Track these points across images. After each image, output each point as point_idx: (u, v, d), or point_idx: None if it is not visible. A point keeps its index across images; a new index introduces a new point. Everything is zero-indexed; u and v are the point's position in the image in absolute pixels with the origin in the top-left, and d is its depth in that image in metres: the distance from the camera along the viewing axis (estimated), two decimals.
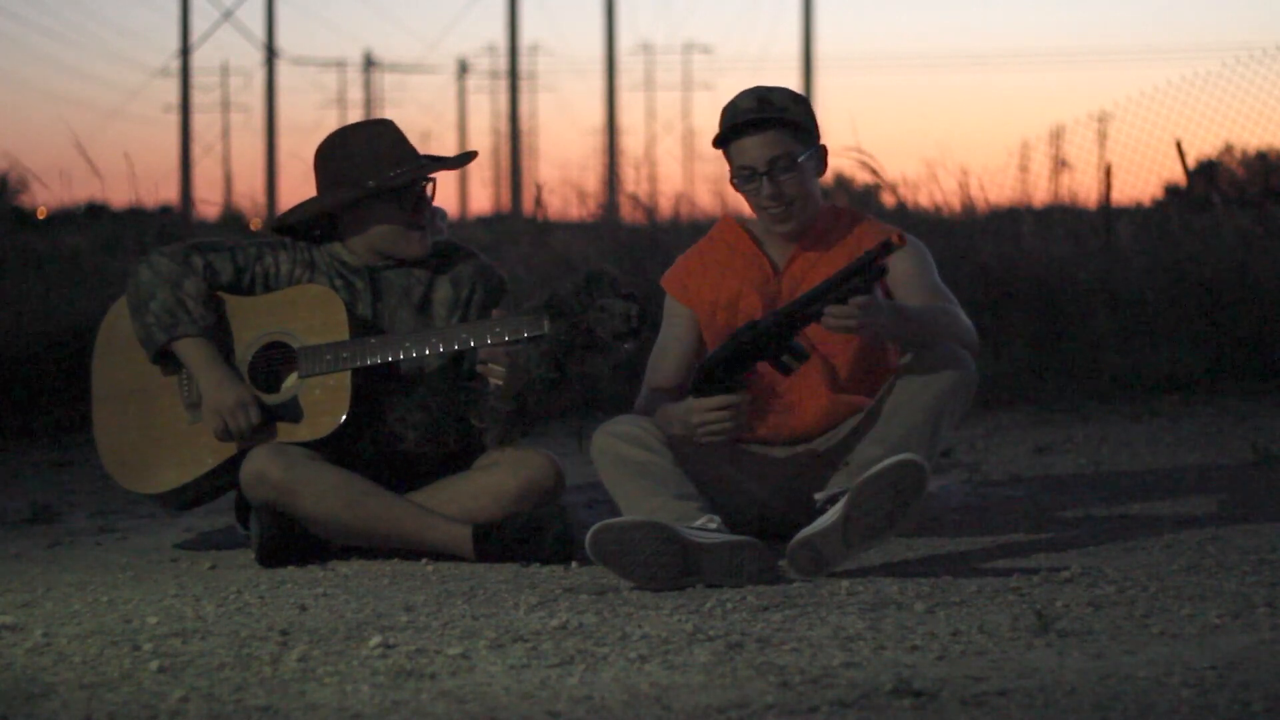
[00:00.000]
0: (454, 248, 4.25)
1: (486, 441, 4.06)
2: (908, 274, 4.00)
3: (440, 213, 4.31)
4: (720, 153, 4.05)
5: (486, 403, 3.99)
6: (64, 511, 4.89)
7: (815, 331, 3.97)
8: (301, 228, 4.20)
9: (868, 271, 3.65)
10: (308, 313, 4.08)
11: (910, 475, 3.51)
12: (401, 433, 4.07)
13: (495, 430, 4.01)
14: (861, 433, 3.91)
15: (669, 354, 4.10)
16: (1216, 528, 4.22)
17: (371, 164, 4.08)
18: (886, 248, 3.65)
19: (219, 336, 4.11)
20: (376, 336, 4.05)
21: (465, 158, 4.20)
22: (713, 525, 3.61)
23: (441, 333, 3.98)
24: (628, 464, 3.76)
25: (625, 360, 3.90)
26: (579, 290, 3.80)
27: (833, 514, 3.56)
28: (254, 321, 4.12)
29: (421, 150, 4.18)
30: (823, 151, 4.06)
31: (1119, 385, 7.64)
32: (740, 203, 4.13)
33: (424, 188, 4.13)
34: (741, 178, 3.99)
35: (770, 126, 3.96)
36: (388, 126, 4.16)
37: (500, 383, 3.91)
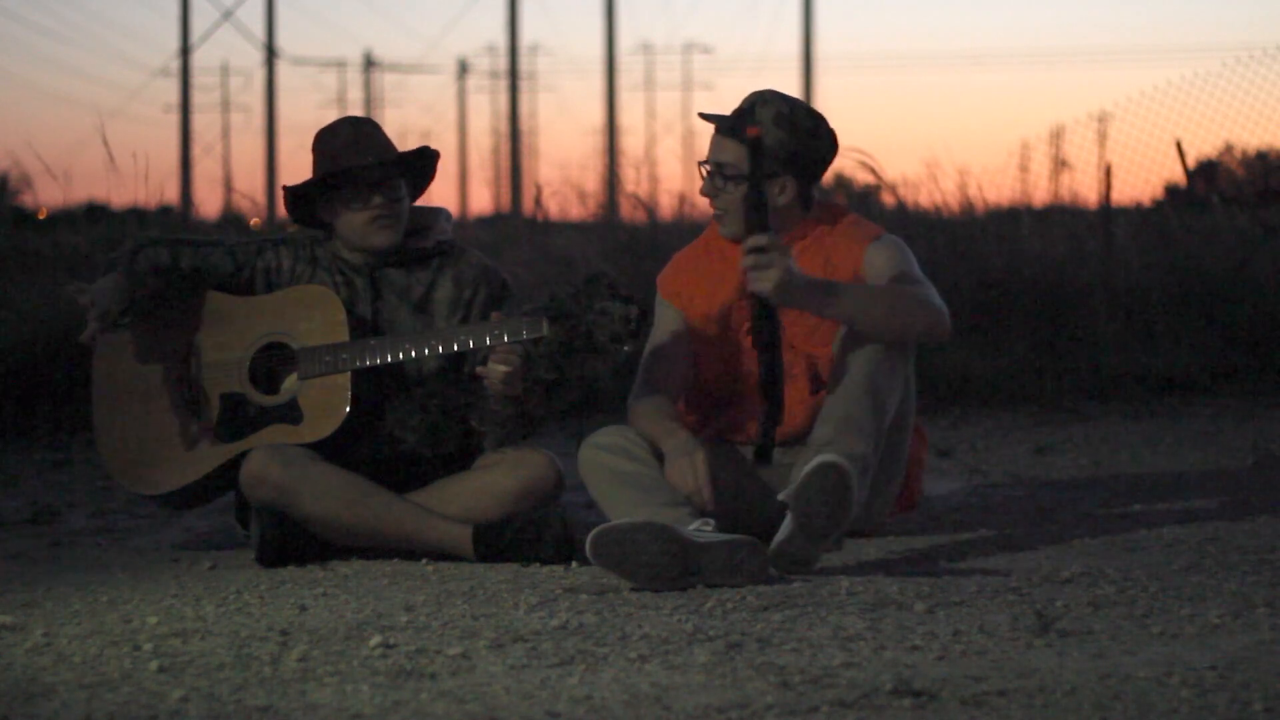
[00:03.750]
0: (457, 248, 4.24)
1: (486, 444, 4.06)
2: (882, 267, 3.99)
3: (444, 213, 4.31)
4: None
5: (486, 405, 3.99)
6: (64, 511, 4.89)
7: (797, 331, 3.96)
8: (301, 219, 4.22)
9: (752, 176, 3.71)
10: (307, 313, 4.08)
11: (830, 476, 3.55)
12: (401, 435, 4.07)
13: (495, 433, 4.02)
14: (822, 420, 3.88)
15: (665, 359, 4.06)
16: (1216, 528, 4.23)
17: (322, 161, 4.11)
18: (753, 145, 3.70)
19: (219, 337, 4.12)
20: (376, 337, 4.05)
21: (380, 164, 4.09)
22: (708, 528, 3.62)
23: (440, 334, 3.98)
24: (615, 475, 3.78)
25: (624, 362, 3.90)
26: (578, 293, 3.79)
27: (787, 524, 3.62)
28: (253, 322, 4.13)
29: (419, 147, 4.19)
30: (789, 184, 3.98)
31: (1119, 385, 7.64)
32: None
33: (385, 182, 4.09)
34: (704, 168, 4.04)
35: (730, 135, 3.96)
36: (342, 124, 4.16)
37: (499, 385, 3.91)
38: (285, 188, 4.16)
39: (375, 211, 4.10)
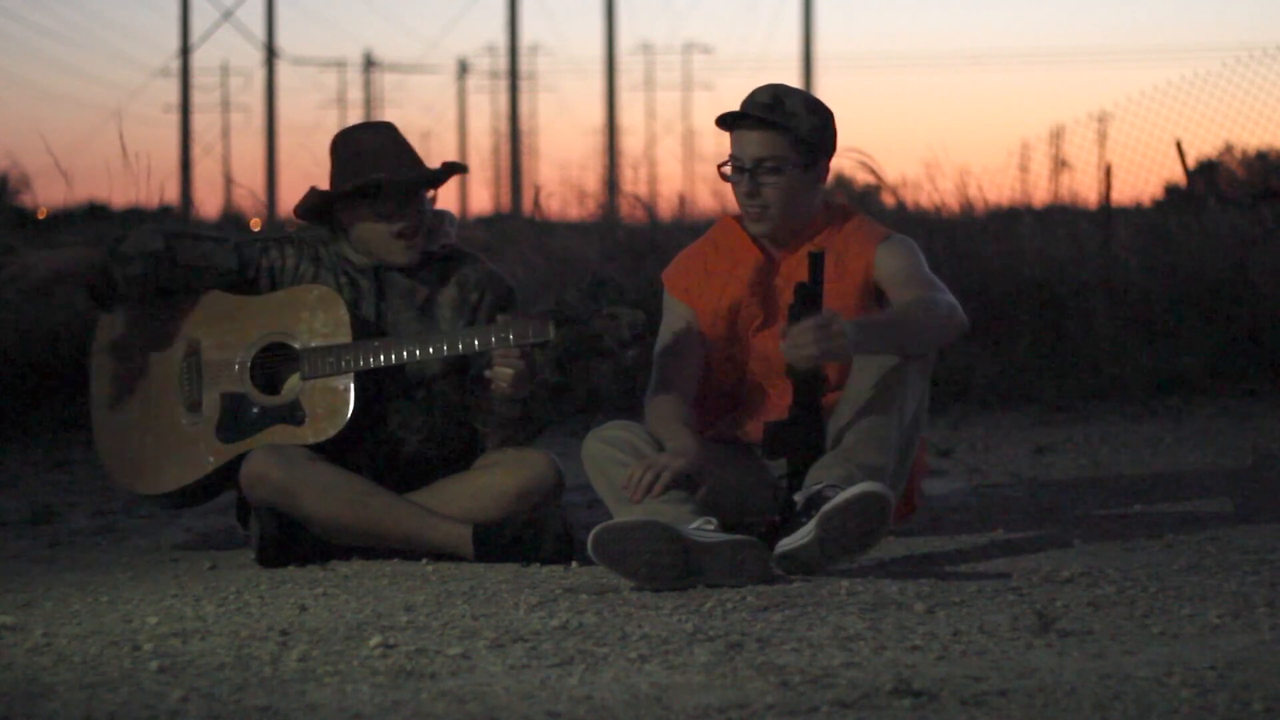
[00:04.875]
0: (462, 253, 4.24)
1: (488, 444, 4.06)
2: (896, 271, 3.99)
3: (448, 216, 4.29)
4: (727, 136, 4.03)
5: (490, 407, 3.99)
6: (64, 511, 4.89)
7: None
8: (311, 216, 4.20)
9: (804, 294, 3.72)
10: (310, 314, 4.07)
11: (873, 506, 3.54)
12: (404, 436, 4.07)
13: (498, 435, 4.02)
14: (839, 419, 3.88)
15: (679, 355, 4.02)
16: (1216, 528, 4.23)
17: (349, 167, 4.08)
18: (815, 261, 3.73)
19: (220, 336, 4.11)
20: (379, 339, 4.05)
21: (429, 175, 4.08)
22: (710, 527, 3.61)
23: (446, 336, 3.98)
24: (618, 469, 3.77)
25: (630, 366, 3.89)
26: (585, 297, 3.79)
27: (807, 532, 3.59)
28: (256, 321, 4.12)
29: (424, 152, 4.17)
30: (822, 169, 4.01)
31: (1119, 385, 7.64)
32: None
33: (417, 196, 4.08)
34: (731, 167, 4.00)
35: (771, 127, 3.95)
36: (375, 130, 4.14)
37: (505, 387, 3.91)
38: (316, 191, 4.12)
39: (402, 226, 4.08)
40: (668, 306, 4.13)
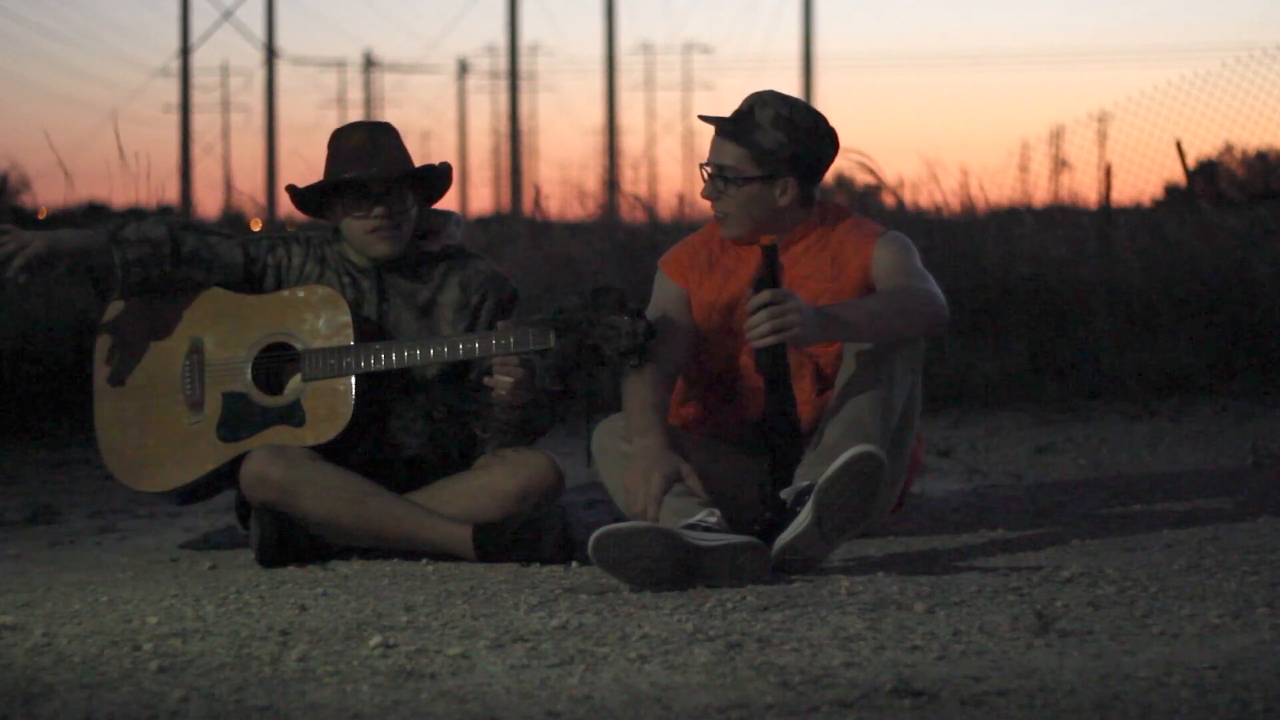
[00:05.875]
0: (465, 253, 4.24)
1: (488, 449, 4.06)
2: (889, 266, 3.99)
3: (454, 216, 4.29)
4: None
5: (490, 413, 3.99)
6: (64, 511, 4.89)
7: None
8: (315, 213, 4.21)
9: (760, 285, 3.72)
10: (313, 314, 4.07)
11: (867, 466, 3.53)
12: (404, 440, 4.07)
13: (497, 439, 4.02)
14: (827, 419, 3.88)
15: (665, 330, 3.98)
16: (1216, 528, 4.23)
17: (328, 165, 4.11)
18: (768, 253, 3.72)
19: (223, 335, 4.11)
20: (381, 341, 4.05)
21: (389, 172, 4.06)
22: (712, 519, 3.61)
23: (447, 340, 3.98)
24: (626, 459, 3.76)
25: (630, 376, 3.87)
26: (586, 305, 3.79)
27: (804, 517, 3.58)
28: (258, 321, 4.12)
29: (424, 153, 4.18)
30: (789, 184, 3.97)
31: (1119, 385, 7.64)
32: None
33: (389, 193, 4.07)
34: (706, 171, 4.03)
35: (731, 138, 3.95)
36: (360, 129, 4.15)
37: (505, 394, 3.91)
38: (290, 188, 4.15)
39: (375, 223, 4.08)
40: (659, 283, 4.11)
